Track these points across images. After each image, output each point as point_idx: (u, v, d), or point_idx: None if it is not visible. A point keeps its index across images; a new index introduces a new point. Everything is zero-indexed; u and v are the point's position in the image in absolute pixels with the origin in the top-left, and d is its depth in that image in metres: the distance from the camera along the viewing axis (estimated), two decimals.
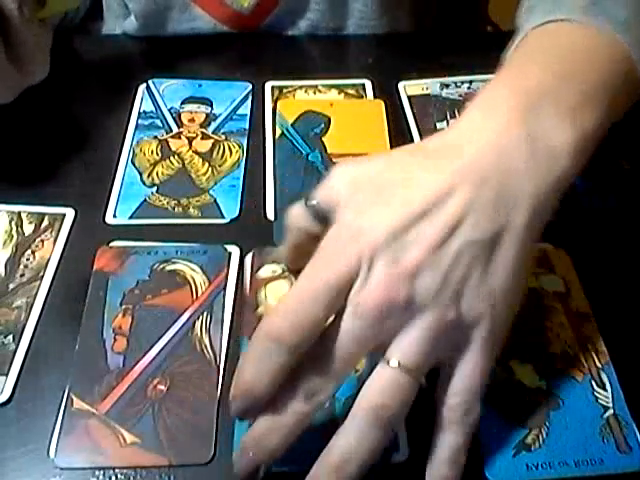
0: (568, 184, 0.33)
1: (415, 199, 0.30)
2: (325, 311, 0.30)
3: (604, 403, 0.36)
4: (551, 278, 0.42)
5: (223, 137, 0.52)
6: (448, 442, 0.32)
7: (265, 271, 0.42)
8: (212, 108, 0.55)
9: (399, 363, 0.30)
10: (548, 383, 0.37)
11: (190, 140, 0.52)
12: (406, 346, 0.30)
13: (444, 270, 0.29)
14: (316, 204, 0.34)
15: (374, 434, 0.30)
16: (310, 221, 0.34)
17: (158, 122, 0.53)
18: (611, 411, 0.36)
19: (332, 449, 0.30)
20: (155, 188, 0.48)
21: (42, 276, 0.42)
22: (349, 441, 0.30)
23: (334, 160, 0.50)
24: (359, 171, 0.33)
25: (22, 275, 0.42)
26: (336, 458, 0.30)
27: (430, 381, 0.31)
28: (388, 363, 0.30)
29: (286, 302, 0.30)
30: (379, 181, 0.32)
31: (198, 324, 0.40)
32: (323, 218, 0.33)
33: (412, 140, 0.52)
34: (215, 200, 0.47)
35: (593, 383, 0.37)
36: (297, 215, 0.35)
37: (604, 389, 0.37)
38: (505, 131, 0.32)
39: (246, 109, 0.55)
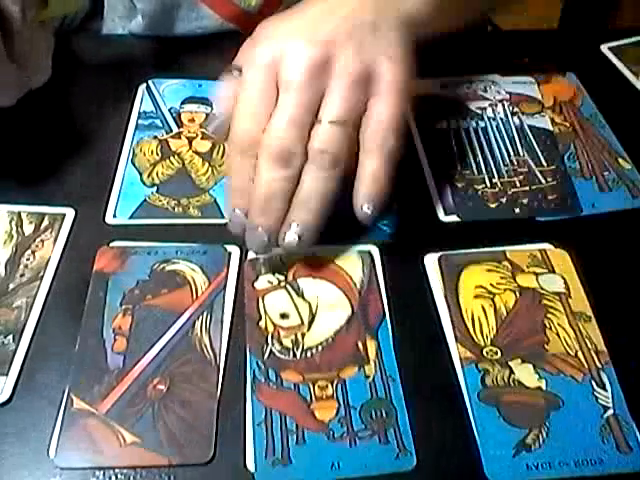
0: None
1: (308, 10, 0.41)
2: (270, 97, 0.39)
3: (604, 403, 0.36)
4: (551, 278, 0.42)
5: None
6: (369, 164, 0.39)
7: (262, 282, 0.42)
8: (212, 108, 0.55)
9: (332, 120, 0.38)
10: (548, 383, 0.37)
11: (190, 140, 0.52)
12: (333, 104, 0.38)
13: (345, 39, 0.39)
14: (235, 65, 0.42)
15: (324, 174, 0.38)
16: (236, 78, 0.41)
17: (158, 122, 0.53)
18: (611, 411, 0.36)
19: (300, 188, 0.38)
20: (155, 188, 0.48)
21: (42, 276, 0.42)
22: (306, 183, 0.38)
23: None
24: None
25: (22, 275, 0.42)
26: (299, 195, 0.38)
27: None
28: (321, 122, 0.38)
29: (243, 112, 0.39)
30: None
31: (198, 324, 0.40)
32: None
33: (412, 140, 0.52)
34: (215, 200, 0.47)
35: (593, 383, 0.37)
36: (226, 82, 0.42)
37: (604, 389, 0.37)
38: None
39: None
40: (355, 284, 0.42)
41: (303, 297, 0.41)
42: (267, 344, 0.39)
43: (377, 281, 0.42)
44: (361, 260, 0.43)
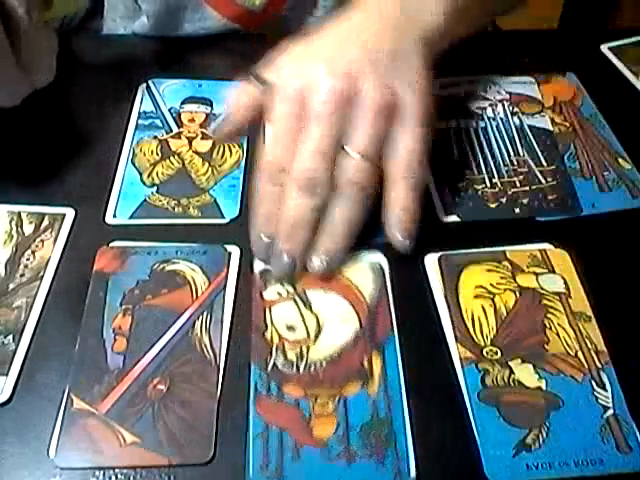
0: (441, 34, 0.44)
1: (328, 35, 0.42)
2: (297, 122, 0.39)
3: (604, 403, 0.36)
4: (551, 278, 0.42)
5: None
6: (398, 194, 0.40)
7: (270, 293, 0.41)
8: (212, 108, 0.55)
9: (359, 152, 0.39)
10: (548, 383, 0.37)
11: (190, 140, 0.52)
12: (359, 135, 0.39)
13: (368, 68, 0.40)
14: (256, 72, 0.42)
15: (352, 204, 0.39)
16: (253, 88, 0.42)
17: (158, 122, 0.53)
18: (611, 411, 0.36)
19: (328, 216, 0.39)
20: (155, 188, 0.48)
21: (42, 276, 0.42)
22: (334, 212, 0.39)
23: None
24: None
25: (22, 275, 0.42)
26: (326, 224, 0.39)
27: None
28: (348, 153, 0.39)
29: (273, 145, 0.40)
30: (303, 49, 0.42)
31: (198, 324, 0.40)
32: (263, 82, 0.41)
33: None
34: (215, 200, 0.47)
35: (593, 383, 0.37)
36: (242, 88, 0.42)
37: (604, 389, 0.37)
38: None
39: None
40: (365, 298, 0.41)
41: (311, 309, 0.41)
42: (271, 356, 0.38)
43: (387, 296, 0.41)
44: (372, 274, 0.42)
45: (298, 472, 0.34)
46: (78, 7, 0.55)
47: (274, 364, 0.38)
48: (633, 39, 0.63)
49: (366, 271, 0.42)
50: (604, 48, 0.61)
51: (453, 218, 0.46)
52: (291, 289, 0.42)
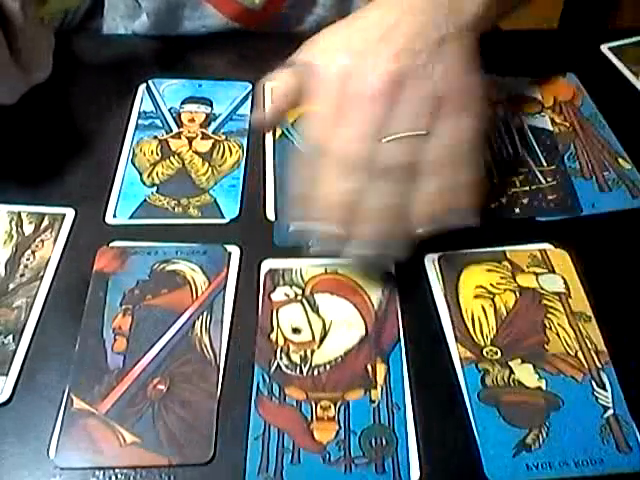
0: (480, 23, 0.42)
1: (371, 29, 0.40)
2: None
3: (604, 403, 0.36)
4: (551, 278, 0.42)
5: (223, 137, 0.52)
6: (435, 182, 0.38)
7: (278, 295, 0.41)
8: (212, 108, 0.55)
9: (402, 136, 0.37)
10: (548, 383, 0.37)
11: (190, 140, 0.52)
12: (402, 121, 0.37)
13: (414, 59, 0.38)
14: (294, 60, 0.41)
15: (392, 189, 0.38)
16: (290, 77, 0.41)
17: (158, 122, 0.53)
18: (611, 411, 0.36)
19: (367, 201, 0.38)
20: (155, 188, 0.48)
21: (42, 276, 0.42)
22: (374, 196, 0.37)
23: None
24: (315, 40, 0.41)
25: (22, 275, 0.42)
26: (366, 208, 0.38)
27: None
28: (390, 138, 0.37)
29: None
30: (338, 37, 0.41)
31: (198, 324, 0.40)
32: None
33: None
34: (215, 200, 0.47)
35: (593, 383, 0.37)
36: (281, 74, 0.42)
37: (604, 389, 0.37)
38: None
39: (246, 109, 0.55)
40: (373, 305, 0.41)
41: (318, 313, 0.40)
42: (275, 357, 0.38)
43: (395, 303, 0.41)
44: (382, 281, 0.42)
45: (297, 475, 0.34)
46: (79, 2, 0.55)
47: (278, 365, 0.38)
48: (633, 39, 0.63)
49: (375, 277, 0.42)
50: (604, 48, 0.61)
51: None
52: (299, 291, 0.41)
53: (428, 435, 0.35)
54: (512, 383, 0.37)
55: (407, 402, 0.37)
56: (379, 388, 0.37)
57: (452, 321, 0.40)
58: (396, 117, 0.38)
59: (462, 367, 0.38)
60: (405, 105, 0.38)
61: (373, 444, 0.35)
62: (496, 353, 0.38)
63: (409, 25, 0.39)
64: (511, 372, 0.38)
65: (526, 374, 0.37)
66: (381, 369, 0.38)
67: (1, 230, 0.45)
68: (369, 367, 0.38)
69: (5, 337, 0.39)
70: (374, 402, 0.36)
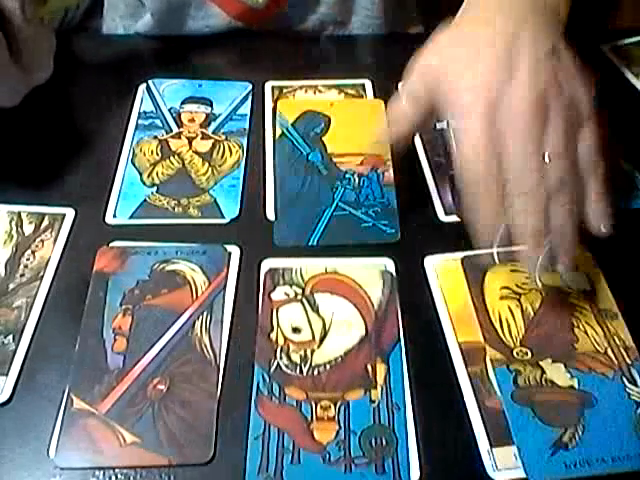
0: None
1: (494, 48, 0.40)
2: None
3: (636, 398, 0.36)
4: (576, 276, 0.42)
5: (223, 137, 0.52)
6: (592, 188, 0.39)
7: (278, 294, 0.41)
8: (212, 108, 0.55)
9: (561, 157, 0.38)
10: (580, 382, 0.37)
11: (190, 140, 0.52)
12: (558, 141, 0.38)
13: (542, 82, 0.39)
14: (410, 83, 0.42)
15: (567, 206, 0.38)
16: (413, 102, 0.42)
17: (158, 122, 0.53)
18: None
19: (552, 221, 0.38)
20: (155, 188, 0.48)
21: (42, 276, 0.42)
22: (555, 216, 0.38)
23: (334, 160, 0.50)
24: (429, 53, 0.42)
25: (22, 275, 0.42)
26: (553, 228, 0.38)
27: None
28: (551, 159, 0.38)
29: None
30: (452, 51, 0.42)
31: (198, 324, 0.40)
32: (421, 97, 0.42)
33: (412, 140, 0.52)
34: (215, 200, 0.47)
35: (624, 379, 0.37)
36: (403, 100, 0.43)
37: (635, 385, 0.37)
38: None
39: (246, 109, 0.55)
40: (373, 305, 0.41)
41: (318, 312, 0.40)
42: (275, 357, 0.38)
43: (395, 304, 0.41)
44: (382, 281, 0.42)
45: (297, 475, 0.34)
46: (78, 0, 0.55)
47: (278, 365, 0.38)
48: (633, 39, 0.63)
49: (375, 277, 0.42)
50: (604, 48, 0.61)
51: (453, 218, 0.46)
52: (299, 290, 0.41)
53: (428, 435, 0.35)
54: (545, 383, 0.37)
55: (407, 402, 0.36)
56: (379, 388, 0.37)
57: (480, 323, 0.40)
58: (549, 134, 0.38)
59: (493, 368, 0.38)
60: (554, 120, 0.38)
61: (373, 444, 0.35)
62: (526, 354, 0.38)
63: (529, 36, 0.40)
64: (543, 372, 0.38)
65: (558, 373, 0.38)
66: (381, 369, 0.38)
67: (1, 230, 0.45)
68: (369, 367, 0.38)
69: (5, 337, 0.39)
70: (374, 402, 0.36)
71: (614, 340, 0.39)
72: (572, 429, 0.35)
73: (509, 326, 0.40)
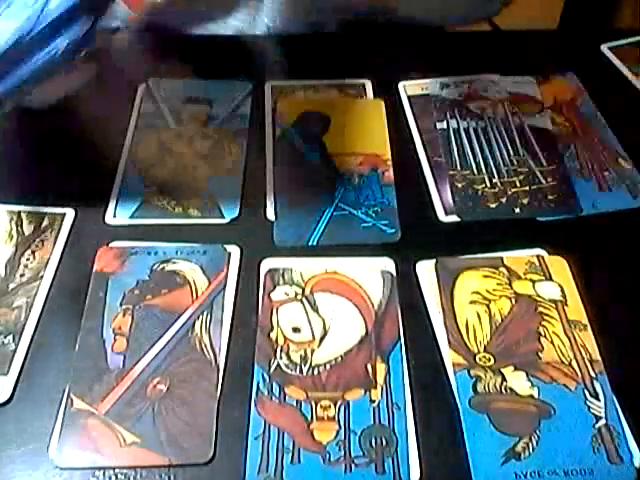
0: None
1: None
2: None
3: (596, 413, 0.36)
4: (548, 285, 0.42)
5: (223, 137, 0.52)
6: None
7: (278, 294, 0.41)
8: (212, 108, 0.55)
9: None
10: (540, 391, 0.37)
11: (190, 140, 0.52)
12: None
13: None
14: None
15: None
16: None
17: (158, 122, 0.53)
18: (603, 421, 0.35)
19: None
20: (155, 188, 0.48)
21: (42, 276, 0.42)
22: None
23: (334, 160, 0.50)
24: None
25: (22, 275, 0.42)
26: None
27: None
28: None
29: None
30: None
31: (198, 324, 0.40)
32: None
33: (412, 140, 0.52)
34: (215, 200, 0.47)
35: (586, 392, 0.37)
36: None
37: (597, 399, 0.36)
38: None
39: (246, 109, 0.55)
40: (373, 304, 0.41)
41: (318, 312, 0.40)
42: (275, 357, 0.38)
43: (396, 304, 0.41)
44: (382, 280, 0.42)
45: (297, 475, 0.34)
46: None
47: (277, 365, 0.38)
48: (633, 39, 0.63)
49: (376, 277, 0.42)
50: (604, 48, 0.61)
51: (453, 218, 0.46)
52: (299, 290, 0.41)
53: (428, 435, 0.35)
54: (504, 390, 0.37)
55: (407, 402, 0.36)
56: (379, 388, 0.37)
57: (446, 326, 0.39)
58: None
59: (454, 373, 0.37)
60: None
61: (373, 444, 0.35)
62: (489, 360, 0.38)
63: None
64: (503, 379, 0.37)
65: (518, 381, 0.37)
66: (381, 369, 0.38)
67: (1, 230, 0.45)
68: (369, 367, 0.38)
69: (5, 337, 0.39)
70: (374, 402, 0.36)
71: (580, 352, 0.38)
72: (526, 439, 0.35)
73: (475, 331, 0.39)
